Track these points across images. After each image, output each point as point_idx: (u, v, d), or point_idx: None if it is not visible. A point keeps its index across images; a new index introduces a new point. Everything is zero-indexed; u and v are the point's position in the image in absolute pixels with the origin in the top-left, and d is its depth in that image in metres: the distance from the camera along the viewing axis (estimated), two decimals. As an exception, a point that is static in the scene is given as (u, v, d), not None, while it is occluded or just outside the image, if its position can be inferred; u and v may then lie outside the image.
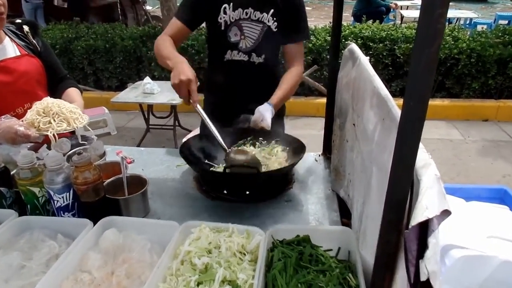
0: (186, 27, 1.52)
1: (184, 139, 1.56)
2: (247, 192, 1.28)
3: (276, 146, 1.43)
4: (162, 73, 4.90)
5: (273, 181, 1.30)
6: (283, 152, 1.39)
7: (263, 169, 1.28)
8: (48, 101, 1.31)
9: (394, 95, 4.66)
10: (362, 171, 0.95)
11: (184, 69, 1.25)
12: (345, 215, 1.17)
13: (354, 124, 1.07)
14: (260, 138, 1.47)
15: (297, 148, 1.39)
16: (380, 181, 0.75)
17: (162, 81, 4.10)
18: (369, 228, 0.83)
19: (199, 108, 1.29)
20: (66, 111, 1.30)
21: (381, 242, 0.63)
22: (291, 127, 4.85)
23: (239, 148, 1.37)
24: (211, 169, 1.33)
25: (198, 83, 1.33)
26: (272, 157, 1.36)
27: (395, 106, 0.74)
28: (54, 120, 1.28)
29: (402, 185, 0.57)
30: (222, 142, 1.28)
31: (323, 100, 1.50)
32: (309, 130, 4.31)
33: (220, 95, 1.66)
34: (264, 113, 1.43)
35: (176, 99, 3.53)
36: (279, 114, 1.65)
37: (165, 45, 1.43)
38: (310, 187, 1.34)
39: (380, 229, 0.62)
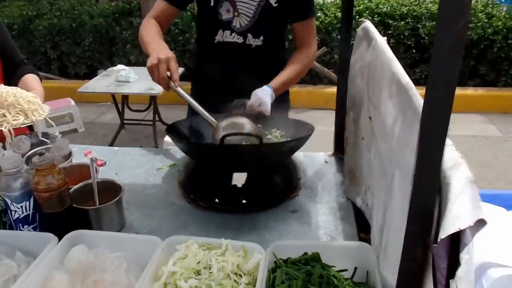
0: (173, 7, 1.53)
1: (167, 138, 1.56)
2: (244, 201, 1.29)
3: (276, 131, 1.44)
4: (139, 57, 4.90)
5: (278, 153, 1.24)
6: (284, 138, 1.40)
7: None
8: (1, 90, 1.30)
9: (418, 82, 4.70)
10: (381, 175, 0.95)
11: (162, 49, 1.28)
12: (363, 228, 1.18)
13: (370, 118, 1.07)
14: (258, 125, 1.46)
15: (303, 130, 1.35)
16: (403, 186, 0.75)
17: (139, 67, 4.09)
18: (392, 244, 0.83)
19: (181, 90, 1.28)
20: (23, 102, 1.30)
21: (404, 259, 0.63)
22: (296, 122, 4.84)
23: (232, 121, 1.32)
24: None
25: (182, 69, 1.34)
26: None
27: (418, 95, 0.75)
28: (10, 113, 1.28)
29: (427, 190, 0.57)
30: (210, 117, 1.28)
31: (334, 89, 1.50)
32: (317, 125, 4.27)
33: (210, 85, 1.66)
34: (263, 97, 1.43)
35: (156, 88, 3.53)
36: (282, 108, 1.65)
37: (147, 29, 1.45)
38: (320, 195, 1.34)
39: (403, 243, 0.63)
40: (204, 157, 1.28)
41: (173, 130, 1.36)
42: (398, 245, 0.68)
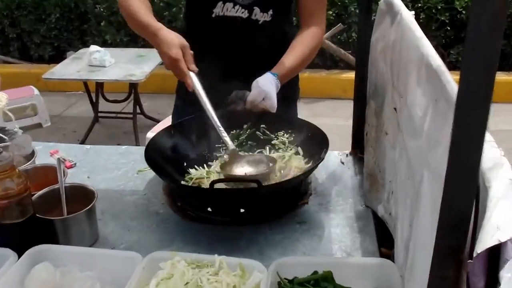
0: None
1: (150, 134, 1.57)
2: (242, 210, 1.29)
3: (284, 135, 1.44)
4: (116, 36, 4.91)
5: (278, 196, 1.31)
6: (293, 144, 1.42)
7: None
8: None
9: (454, 66, 4.68)
10: (408, 177, 0.96)
11: (171, 39, 1.32)
12: (385, 242, 1.18)
13: (395, 109, 1.08)
14: (261, 126, 1.49)
15: (315, 142, 1.38)
16: (433, 191, 0.75)
17: (116, 49, 4.11)
18: (419, 261, 0.83)
19: (200, 90, 1.34)
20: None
21: (433, 278, 0.63)
22: (307, 114, 4.83)
23: (251, 154, 1.38)
24: (193, 178, 1.35)
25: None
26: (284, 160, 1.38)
27: (453, 81, 0.75)
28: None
29: (462, 195, 0.57)
30: (227, 138, 1.34)
31: (352, 74, 1.50)
32: (333, 118, 4.31)
33: (205, 69, 1.64)
34: (266, 88, 1.41)
35: (137, 74, 3.56)
36: (289, 97, 1.65)
37: (136, 4, 1.41)
38: (334, 202, 1.34)
39: (432, 260, 0.63)
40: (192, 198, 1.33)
41: (153, 150, 1.37)
42: (426, 262, 0.68)
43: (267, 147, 1.47)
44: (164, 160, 1.40)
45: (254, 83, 1.43)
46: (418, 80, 0.90)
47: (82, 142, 3.82)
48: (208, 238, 1.20)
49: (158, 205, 1.34)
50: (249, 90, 1.45)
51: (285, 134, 1.48)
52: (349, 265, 1.00)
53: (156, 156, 1.37)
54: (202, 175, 1.36)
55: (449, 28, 4.56)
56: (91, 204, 1.17)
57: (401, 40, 1.04)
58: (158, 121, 3.71)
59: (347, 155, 1.57)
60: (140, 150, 1.42)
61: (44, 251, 1.03)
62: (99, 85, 3.95)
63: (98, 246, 1.18)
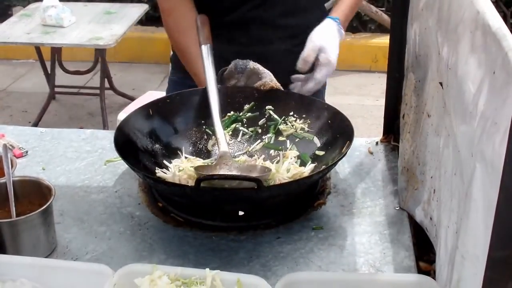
0: None
1: (122, 115, 1.58)
2: (241, 213, 1.30)
3: (297, 120, 1.47)
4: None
5: (287, 197, 1.33)
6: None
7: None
8: None
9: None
10: (455, 172, 0.96)
11: None
12: (424, 255, 1.19)
13: (441, 84, 1.08)
14: (267, 108, 1.51)
15: (336, 130, 1.40)
16: (488, 188, 0.76)
17: (78, 3, 4.09)
18: (467, 277, 0.85)
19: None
20: None
21: (486, 299, 0.65)
22: (328, 90, 4.80)
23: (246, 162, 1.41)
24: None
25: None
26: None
27: (518, 49, 0.75)
28: None
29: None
30: (222, 139, 1.39)
31: (385, 39, 1.51)
32: (359, 96, 4.32)
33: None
34: (321, 42, 1.51)
35: (104, 37, 3.54)
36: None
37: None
38: (359, 203, 1.36)
39: (484, 275, 0.64)
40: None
41: (123, 135, 1.39)
42: (477, 278, 0.69)
43: (271, 135, 1.49)
44: (139, 148, 1.41)
45: (309, 37, 1.53)
46: (472, 46, 0.90)
47: (35, 124, 3.83)
48: (197, 248, 1.21)
49: (133, 206, 1.35)
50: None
51: (298, 120, 1.49)
52: (378, 284, 1.01)
53: (129, 143, 1.38)
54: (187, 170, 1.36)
55: (513, -20, 4.54)
56: (47, 204, 1.17)
57: (450, -7, 1.04)
58: (132, 99, 3.72)
59: (377, 143, 1.58)
60: (110, 134, 1.44)
61: (-13, 262, 1.04)
62: (56, 51, 3.95)
63: (56, 257, 1.19)
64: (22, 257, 1.10)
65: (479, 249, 0.77)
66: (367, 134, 1.63)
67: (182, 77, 1.74)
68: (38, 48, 3.87)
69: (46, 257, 1.19)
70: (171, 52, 1.84)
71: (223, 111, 1.50)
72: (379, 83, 4.19)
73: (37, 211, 1.15)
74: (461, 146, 0.93)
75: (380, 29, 4.73)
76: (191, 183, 1.28)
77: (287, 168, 1.35)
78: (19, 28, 3.68)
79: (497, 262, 0.62)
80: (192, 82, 1.63)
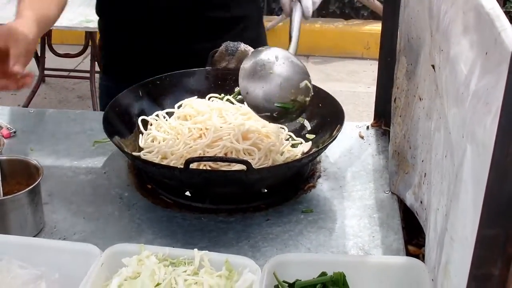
0: None
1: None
2: (231, 195, 1.32)
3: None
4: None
5: (275, 180, 1.33)
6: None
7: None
8: None
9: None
10: (446, 154, 0.96)
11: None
12: (413, 238, 1.19)
13: (433, 66, 1.08)
14: None
15: (326, 114, 1.40)
16: (478, 169, 0.76)
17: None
18: (456, 259, 0.84)
19: None
20: None
21: (474, 278, 0.64)
22: (318, 77, 4.83)
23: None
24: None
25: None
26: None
27: (511, 28, 0.75)
28: None
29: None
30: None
31: (378, 26, 1.50)
32: (351, 83, 4.32)
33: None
34: None
35: (95, 20, 3.44)
36: None
37: None
38: (349, 187, 1.36)
39: (473, 255, 0.64)
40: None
41: (113, 114, 1.40)
42: (466, 260, 0.69)
43: None
44: (128, 129, 1.41)
45: None
46: (465, 27, 0.89)
47: (26, 106, 3.80)
48: (186, 228, 1.21)
49: (122, 187, 1.35)
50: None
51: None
52: (366, 266, 1.01)
53: (118, 124, 1.38)
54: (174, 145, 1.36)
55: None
56: (35, 183, 1.17)
57: (443, -26, 1.04)
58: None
59: (368, 127, 1.58)
60: (99, 115, 1.43)
61: (-27, 241, 1.04)
62: (46, 34, 3.91)
63: (44, 237, 1.19)
64: (9, 236, 1.10)
65: (468, 230, 0.77)
66: (358, 121, 1.63)
67: (115, 82, 1.72)
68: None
69: (35, 236, 1.18)
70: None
71: (214, 93, 1.50)
72: (371, 70, 4.19)
73: (25, 190, 1.15)
74: (452, 128, 0.93)
75: (372, 16, 4.72)
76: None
77: (280, 151, 1.35)
78: (8, 11, 3.62)
79: (486, 240, 0.62)
80: (125, 87, 1.52)
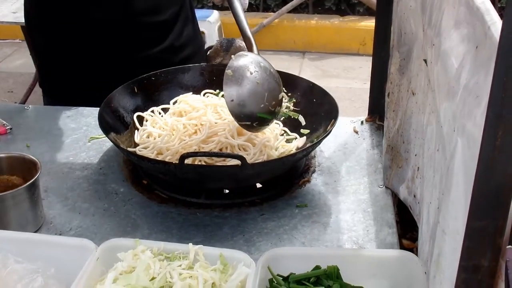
0: None
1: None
2: (226, 190, 1.32)
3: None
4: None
5: (270, 176, 1.33)
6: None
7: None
8: None
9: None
10: (438, 148, 0.97)
11: None
12: (407, 232, 1.20)
13: (425, 61, 1.08)
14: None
15: (321, 109, 1.41)
16: (469, 162, 0.76)
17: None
18: (447, 251, 0.85)
19: None
20: None
21: (463, 268, 0.65)
22: (314, 73, 4.82)
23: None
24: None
25: None
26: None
27: (500, 22, 0.75)
28: None
29: (501, 163, 0.58)
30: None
31: (373, 22, 1.51)
32: (347, 79, 4.31)
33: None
34: None
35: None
36: None
37: None
38: (343, 181, 1.36)
39: (462, 246, 0.64)
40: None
41: (108, 110, 1.41)
42: (456, 252, 0.69)
43: None
44: (124, 125, 1.42)
45: None
46: (456, 22, 0.90)
47: (23, 102, 3.77)
48: (181, 223, 1.22)
49: (117, 182, 1.35)
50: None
51: (284, 98, 1.49)
52: (360, 259, 1.01)
53: (113, 120, 1.39)
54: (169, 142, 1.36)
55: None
56: (33, 179, 1.17)
57: (435, -32, 1.04)
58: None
59: (362, 122, 1.59)
60: (94, 112, 1.43)
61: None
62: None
63: (41, 232, 1.19)
64: (5, 231, 1.10)
65: (459, 223, 0.77)
66: (354, 114, 1.63)
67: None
68: (24, 28, 3.82)
69: (35, 232, 1.19)
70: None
71: (209, 89, 1.50)
72: (367, 66, 4.16)
73: (25, 185, 1.15)
74: (444, 122, 0.93)
75: (368, 12, 4.72)
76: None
77: (275, 146, 1.36)
78: (5, 8, 3.63)
79: (475, 232, 0.63)
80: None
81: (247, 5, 1.43)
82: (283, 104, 1.43)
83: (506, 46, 0.56)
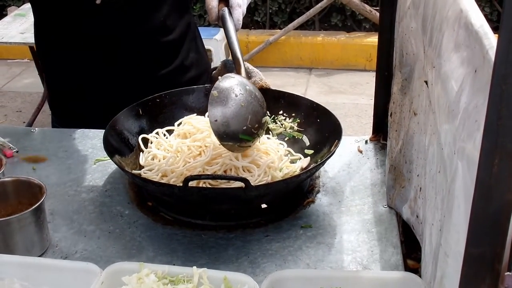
0: None
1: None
2: (232, 211, 1.33)
3: (286, 119, 1.47)
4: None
5: (275, 195, 1.34)
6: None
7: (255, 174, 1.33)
8: None
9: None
10: (439, 170, 0.97)
11: None
12: (412, 252, 1.20)
13: (426, 82, 1.09)
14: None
15: (325, 129, 1.42)
16: (469, 186, 0.77)
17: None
18: (450, 273, 0.85)
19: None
20: None
21: (463, 294, 0.65)
22: (320, 90, 4.83)
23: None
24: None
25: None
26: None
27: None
28: None
29: (499, 188, 0.59)
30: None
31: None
32: (353, 95, 4.32)
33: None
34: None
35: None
36: None
37: None
38: (348, 202, 1.36)
39: (461, 272, 0.65)
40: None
41: (113, 133, 1.42)
42: (459, 275, 0.69)
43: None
44: (129, 147, 1.43)
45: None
46: (455, 44, 0.90)
47: (29, 124, 3.81)
48: (186, 245, 1.22)
49: (123, 204, 1.36)
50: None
51: (288, 119, 1.51)
52: (363, 281, 1.01)
53: (118, 143, 1.40)
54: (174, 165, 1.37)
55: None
56: (39, 202, 1.17)
57: (434, -10, 1.05)
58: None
59: (366, 141, 1.59)
60: (100, 134, 1.44)
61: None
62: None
63: (46, 255, 1.20)
64: (11, 255, 1.11)
65: (461, 246, 0.77)
66: (362, 133, 1.64)
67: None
68: (32, 48, 3.86)
69: (40, 256, 1.19)
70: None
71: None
72: (373, 82, 4.16)
73: (30, 209, 1.16)
74: (444, 144, 0.93)
75: (374, 28, 4.73)
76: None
77: (279, 167, 1.36)
78: (13, 28, 3.68)
79: (474, 259, 0.63)
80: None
81: (241, 25, 1.45)
82: (286, 123, 1.45)
83: (499, 73, 0.57)
